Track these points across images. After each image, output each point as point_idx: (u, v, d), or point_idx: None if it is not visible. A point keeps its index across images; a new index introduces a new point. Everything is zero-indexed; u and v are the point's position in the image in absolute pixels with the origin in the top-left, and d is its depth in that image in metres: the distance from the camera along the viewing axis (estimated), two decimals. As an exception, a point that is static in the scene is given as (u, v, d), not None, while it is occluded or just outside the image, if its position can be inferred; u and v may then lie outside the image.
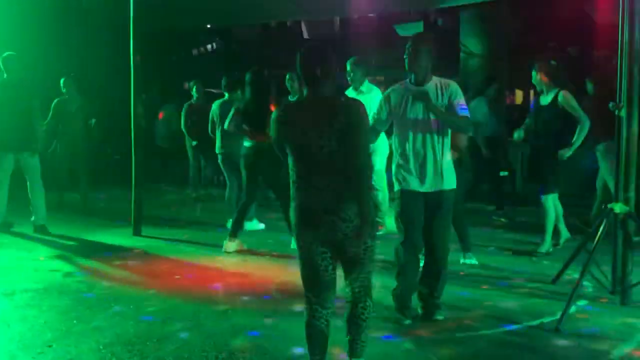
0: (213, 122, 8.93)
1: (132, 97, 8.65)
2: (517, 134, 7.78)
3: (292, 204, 3.78)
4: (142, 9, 8.65)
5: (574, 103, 7.21)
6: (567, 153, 7.20)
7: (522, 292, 6.14)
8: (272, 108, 7.34)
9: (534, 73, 7.39)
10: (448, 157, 5.16)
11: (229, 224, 8.14)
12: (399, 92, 5.18)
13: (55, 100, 9.98)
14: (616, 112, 5.60)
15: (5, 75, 8.37)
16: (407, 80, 5.20)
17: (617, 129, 5.65)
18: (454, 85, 5.17)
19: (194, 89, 11.64)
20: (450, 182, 5.14)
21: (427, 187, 5.07)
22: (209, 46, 19.18)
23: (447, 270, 5.35)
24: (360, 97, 8.12)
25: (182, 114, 11.31)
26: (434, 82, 5.11)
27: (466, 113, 5.13)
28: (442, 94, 5.08)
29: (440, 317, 5.21)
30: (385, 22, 16.04)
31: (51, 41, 11.95)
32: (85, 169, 10.51)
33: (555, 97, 7.26)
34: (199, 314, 5.48)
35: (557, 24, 16.26)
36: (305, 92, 3.77)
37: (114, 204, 10.88)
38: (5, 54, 8.39)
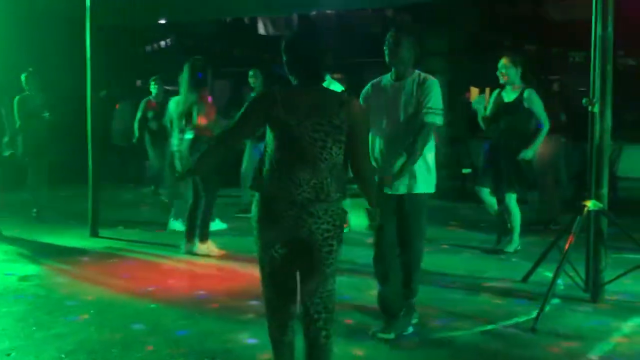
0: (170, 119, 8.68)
1: (88, 94, 8.36)
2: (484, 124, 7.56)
3: (257, 196, 3.46)
4: (99, 3, 8.37)
5: (539, 102, 7.19)
6: (528, 153, 7.16)
7: (493, 292, 6.07)
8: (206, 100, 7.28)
9: (507, 66, 7.24)
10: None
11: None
12: (377, 88, 4.95)
13: (17, 98, 9.57)
14: (589, 108, 5.57)
15: None
16: (389, 74, 4.92)
17: (590, 125, 5.63)
18: (428, 83, 4.78)
19: (153, 85, 11.40)
20: (421, 185, 4.82)
21: (394, 190, 4.80)
22: (162, 42, 18.88)
23: (418, 272, 5.10)
24: None
25: (140, 109, 11.08)
26: (412, 78, 4.80)
27: (430, 119, 4.70)
28: (417, 91, 4.75)
29: (414, 320, 5.05)
30: (344, 20, 15.96)
31: (4, 37, 11.54)
32: (46, 167, 10.09)
33: (521, 94, 7.22)
34: (164, 318, 5.26)
35: (515, 22, 16.43)
36: (293, 82, 3.52)
37: (71, 204, 10.53)
38: None
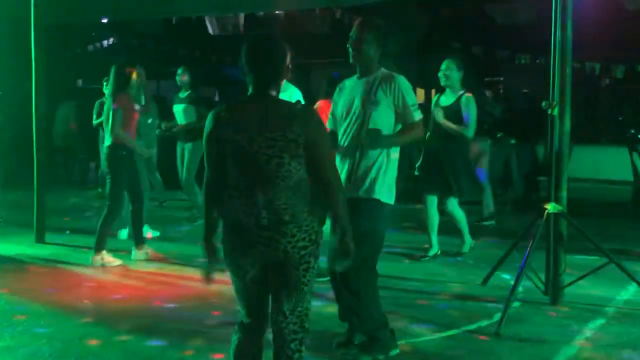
0: None
1: (33, 95, 8.06)
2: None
3: (221, 221, 3.27)
4: (42, 1, 8.09)
5: (474, 110, 7.14)
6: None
7: (453, 296, 6.06)
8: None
9: (450, 69, 7.16)
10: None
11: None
12: (341, 88, 4.68)
13: None
14: (549, 110, 5.58)
15: None
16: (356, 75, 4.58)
17: (550, 128, 5.64)
18: (398, 83, 4.41)
19: (105, 86, 11.18)
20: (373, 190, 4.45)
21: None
22: (105, 42, 18.51)
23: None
24: None
25: (94, 110, 10.84)
26: (373, 76, 4.45)
27: (418, 115, 4.48)
28: (375, 90, 4.39)
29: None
30: (291, 21, 15.88)
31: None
32: None
33: (459, 99, 7.16)
34: (117, 329, 5.03)
35: (461, 24, 16.64)
36: (250, 90, 3.26)
37: (14, 209, 10.16)
38: None
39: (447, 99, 7.25)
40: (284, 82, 8.46)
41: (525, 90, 12.87)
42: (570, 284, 5.75)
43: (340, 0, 12.36)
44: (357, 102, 4.44)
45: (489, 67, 17.26)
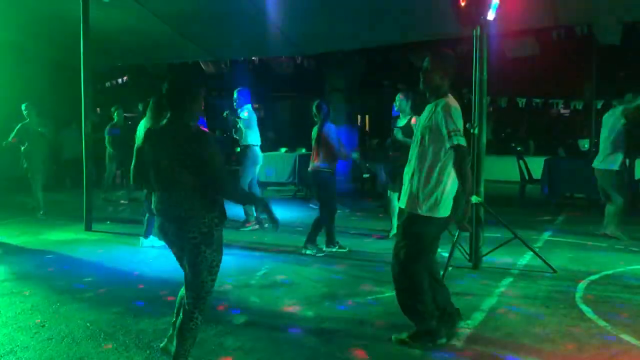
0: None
1: (82, 118, 7.95)
2: (356, 155, 7.76)
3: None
4: (90, 53, 8.01)
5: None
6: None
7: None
8: None
9: (401, 100, 7.13)
10: None
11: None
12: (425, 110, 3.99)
13: (19, 124, 9.00)
14: (471, 130, 5.76)
15: None
16: None
17: (472, 143, 5.81)
18: (440, 108, 3.70)
19: (116, 113, 11.20)
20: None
21: None
22: (120, 80, 18.23)
23: None
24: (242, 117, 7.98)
25: (106, 132, 10.85)
26: (435, 102, 3.78)
27: (456, 142, 3.63)
28: (431, 117, 3.76)
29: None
30: (263, 63, 15.91)
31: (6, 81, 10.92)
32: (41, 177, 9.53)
33: (409, 120, 7.15)
34: (162, 291, 5.05)
35: (390, 67, 16.87)
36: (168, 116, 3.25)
37: (59, 206, 9.97)
38: None
39: (401, 122, 7.22)
40: (248, 107, 8.29)
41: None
42: (487, 253, 5.94)
43: (303, 49, 12.56)
44: (420, 126, 3.86)
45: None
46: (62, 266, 6.06)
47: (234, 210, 7.75)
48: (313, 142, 6.70)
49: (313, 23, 10.42)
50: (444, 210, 3.75)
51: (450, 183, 3.76)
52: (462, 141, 3.67)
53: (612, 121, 7.45)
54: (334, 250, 6.65)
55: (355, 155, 8.07)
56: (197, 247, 3.17)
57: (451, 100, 3.75)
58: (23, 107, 8.97)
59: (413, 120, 7.08)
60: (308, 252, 6.55)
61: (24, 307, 4.64)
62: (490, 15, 5.37)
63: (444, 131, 3.65)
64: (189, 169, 3.10)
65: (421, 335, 3.85)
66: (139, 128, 8.24)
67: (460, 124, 3.68)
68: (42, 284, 5.33)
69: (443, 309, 3.94)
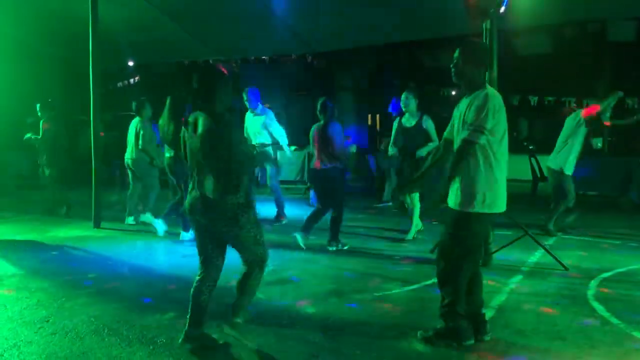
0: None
1: (91, 120, 7.94)
2: (392, 151, 7.49)
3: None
4: (98, 52, 8.00)
5: (433, 125, 7.07)
6: (422, 152, 6.94)
7: (412, 261, 6.10)
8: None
9: (408, 98, 7.07)
10: None
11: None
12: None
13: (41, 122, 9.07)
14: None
15: None
16: None
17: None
18: (475, 101, 3.50)
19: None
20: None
21: None
22: (131, 80, 18.33)
23: None
24: (255, 118, 8.04)
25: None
26: (473, 95, 3.55)
27: (465, 136, 3.49)
28: (466, 111, 3.55)
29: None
30: (274, 63, 15.92)
31: (15, 76, 10.96)
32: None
33: (420, 119, 7.08)
34: (168, 286, 5.04)
35: (399, 66, 16.82)
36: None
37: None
38: None
39: (409, 122, 7.12)
40: (260, 107, 8.42)
41: (445, 115, 13.06)
42: (497, 250, 5.87)
43: (312, 47, 12.52)
44: (457, 120, 3.67)
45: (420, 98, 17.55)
46: (69, 262, 6.03)
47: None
48: (313, 141, 6.62)
49: (323, 21, 10.39)
50: (492, 205, 3.55)
51: (496, 176, 3.55)
52: (479, 139, 3.43)
53: (572, 124, 7.36)
54: (333, 249, 6.60)
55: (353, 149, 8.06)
56: (230, 230, 3.44)
57: (490, 93, 3.49)
58: (37, 107, 9.00)
59: (427, 119, 7.10)
60: (332, 248, 6.54)
61: (30, 303, 4.62)
62: (501, 9, 5.28)
63: (469, 121, 3.46)
64: (217, 154, 3.30)
65: (448, 335, 3.69)
66: (130, 126, 8.24)
67: (489, 122, 3.41)
68: (48, 280, 5.30)
69: (475, 314, 3.78)
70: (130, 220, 8.24)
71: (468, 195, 3.55)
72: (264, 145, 8.19)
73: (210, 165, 3.37)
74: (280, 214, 8.39)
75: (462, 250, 3.61)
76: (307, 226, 6.60)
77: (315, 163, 6.59)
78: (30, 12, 10.07)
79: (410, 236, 7.17)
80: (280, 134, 8.26)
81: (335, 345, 3.73)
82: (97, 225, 7.95)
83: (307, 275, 5.51)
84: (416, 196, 7.25)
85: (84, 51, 8.09)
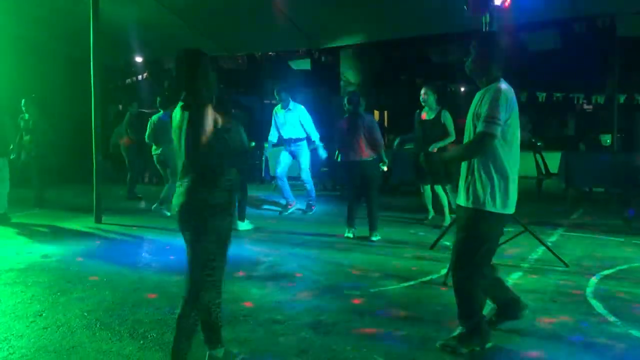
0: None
1: (92, 114, 7.94)
2: (396, 141, 7.88)
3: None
4: (100, 46, 8.00)
5: (451, 120, 7.26)
6: (438, 145, 7.16)
7: (408, 257, 6.04)
8: None
9: (427, 94, 7.28)
10: None
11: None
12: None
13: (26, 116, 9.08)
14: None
15: None
16: None
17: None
18: (487, 94, 3.36)
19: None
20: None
21: None
22: (140, 76, 18.36)
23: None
24: (288, 114, 8.17)
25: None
26: (486, 89, 3.42)
27: (481, 128, 3.29)
28: (480, 104, 3.39)
29: None
30: (280, 59, 15.85)
31: (19, 72, 10.98)
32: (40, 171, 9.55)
33: (439, 113, 7.28)
34: (164, 283, 5.01)
35: (407, 62, 16.70)
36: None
37: (72, 199, 10.03)
38: None
39: (428, 115, 7.37)
40: (291, 103, 8.62)
41: (453, 111, 12.98)
42: (499, 245, 5.77)
43: (319, 42, 12.45)
44: (469, 114, 3.51)
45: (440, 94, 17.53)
46: (68, 257, 6.03)
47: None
48: (347, 134, 6.75)
49: (328, 16, 10.34)
50: (503, 205, 3.38)
51: (509, 175, 3.40)
52: (494, 130, 3.25)
53: None
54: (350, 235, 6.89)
55: None
56: (186, 233, 3.00)
57: (503, 85, 3.35)
58: (22, 102, 9.02)
59: (446, 113, 7.30)
60: (374, 238, 6.75)
61: (24, 297, 4.63)
62: (497, 0, 5.21)
63: (483, 114, 3.28)
64: (197, 149, 2.91)
65: (469, 339, 3.52)
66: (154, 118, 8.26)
67: (502, 114, 3.26)
68: (45, 274, 5.32)
69: (504, 304, 3.73)
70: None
71: (483, 192, 3.38)
72: (298, 139, 8.51)
73: (187, 156, 3.00)
74: (310, 204, 8.79)
75: (474, 250, 3.43)
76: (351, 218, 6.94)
77: (354, 154, 6.73)
78: (35, 9, 10.11)
79: (446, 222, 7.23)
80: (312, 129, 8.54)
81: (326, 341, 3.69)
82: (98, 220, 7.95)
83: (304, 270, 5.48)
84: (439, 189, 7.52)
85: (88, 47, 8.10)
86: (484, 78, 3.45)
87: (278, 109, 8.60)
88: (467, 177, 3.48)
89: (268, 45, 13.54)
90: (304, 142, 8.57)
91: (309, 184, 8.75)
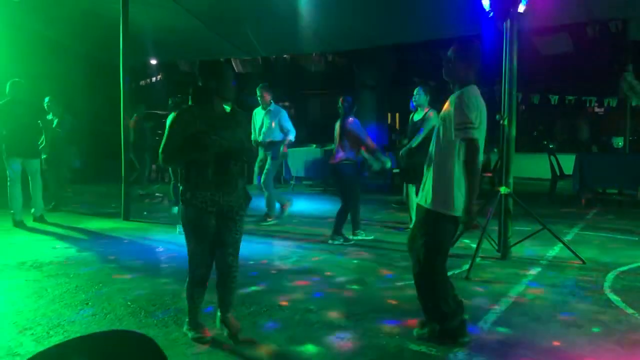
0: None
1: (121, 115, 8.22)
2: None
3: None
4: (128, 48, 8.28)
5: (429, 123, 6.97)
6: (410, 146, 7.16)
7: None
8: None
9: (419, 93, 7.13)
10: None
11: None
12: None
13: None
14: (501, 121, 5.82)
15: (10, 97, 7.73)
16: None
17: (502, 134, 5.88)
18: (457, 97, 3.46)
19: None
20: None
21: None
22: (154, 78, 18.65)
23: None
24: (266, 115, 8.08)
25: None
26: (457, 93, 3.50)
27: (462, 136, 3.39)
28: (449, 107, 3.52)
29: None
30: (294, 61, 16.06)
31: (41, 74, 11.26)
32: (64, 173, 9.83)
33: (425, 113, 7.13)
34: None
35: (421, 64, 16.84)
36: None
37: (102, 198, 10.32)
38: (12, 80, 7.78)
39: (417, 115, 7.26)
40: (272, 104, 8.43)
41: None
42: (516, 244, 6.00)
43: (333, 46, 12.68)
44: (440, 117, 3.61)
45: (443, 95, 17.57)
46: (103, 252, 6.30)
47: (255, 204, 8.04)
48: (336, 136, 6.80)
49: (344, 20, 10.55)
50: (458, 207, 3.45)
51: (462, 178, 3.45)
52: (473, 134, 3.36)
53: None
54: (358, 238, 6.84)
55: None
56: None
57: (472, 90, 3.46)
58: (45, 101, 9.29)
59: (430, 114, 7.11)
60: (336, 242, 6.70)
61: (69, 287, 4.89)
62: (521, 8, 5.42)
63: (454, 122, 3.38)
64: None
65: (442, 334, 3.65)
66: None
67: (473, 116, 3.36)
68: (84, 267, 5.58)
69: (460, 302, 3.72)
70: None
71: (437, 193, 3.49)
72: (273, 142, 8.14)
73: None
74: (269, 214, 8.20)
75: (433, 249, 3.53)
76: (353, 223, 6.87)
77: (332, 158, 6.80)
78: (59, 9, 10.37)
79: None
80: (291, 130, 8.24)
81: (321, 334, 3.84)
82: (126, 218, 8.23)
83: (309, 263, 5.70)
84: (412, 189, 7.38)
85: (110, 48, 8.36)
86: (457, 83, 3.53)
87: (258, 109, 8.33)
88: (427, 176, 3.60)
89: (284, 48, 13.77)
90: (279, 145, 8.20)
91: (267, 190, 8.11)
